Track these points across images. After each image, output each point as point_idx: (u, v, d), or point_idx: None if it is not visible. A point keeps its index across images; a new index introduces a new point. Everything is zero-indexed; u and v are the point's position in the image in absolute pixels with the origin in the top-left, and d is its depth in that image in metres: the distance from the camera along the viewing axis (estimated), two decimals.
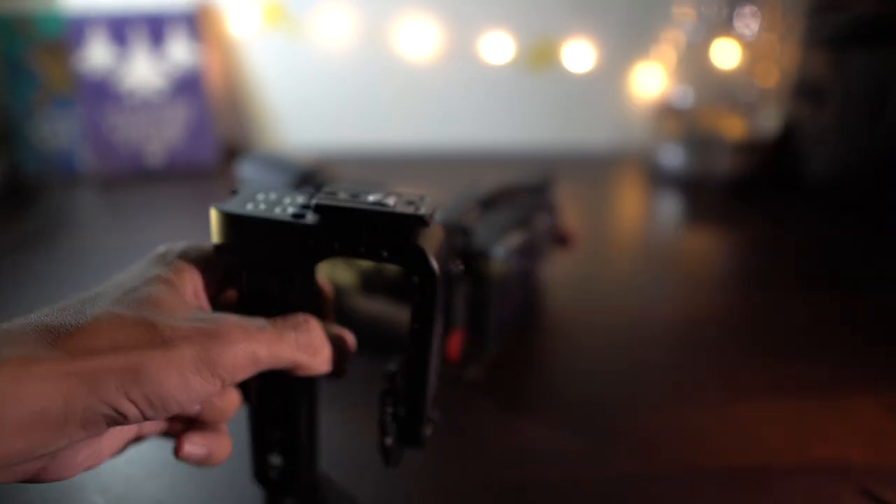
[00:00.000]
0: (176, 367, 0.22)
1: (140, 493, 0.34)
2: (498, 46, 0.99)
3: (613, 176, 0.95)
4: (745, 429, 0.40)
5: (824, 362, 0.48)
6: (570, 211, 0.82)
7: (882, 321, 0.54)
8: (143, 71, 0.89)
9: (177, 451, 0.27)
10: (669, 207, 0.84)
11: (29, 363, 0.20)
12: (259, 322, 0.25)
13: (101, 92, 0.87)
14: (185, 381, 0.22)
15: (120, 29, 0.87)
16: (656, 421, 0.41)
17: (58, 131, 0.88)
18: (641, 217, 0.82)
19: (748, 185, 0.89)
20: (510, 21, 0.98)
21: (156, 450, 0.37)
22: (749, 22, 0.88)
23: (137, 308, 0.23)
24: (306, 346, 0.26)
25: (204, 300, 0.27)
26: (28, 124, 0.86)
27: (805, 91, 0.90)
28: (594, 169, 0.96)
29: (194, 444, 0.27)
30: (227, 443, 0.28)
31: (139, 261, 0.26)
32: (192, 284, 0.26)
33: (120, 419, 0.21)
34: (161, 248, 0.27)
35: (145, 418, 0.22)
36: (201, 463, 0.27)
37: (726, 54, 0.90)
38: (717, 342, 0.51)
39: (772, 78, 0.91)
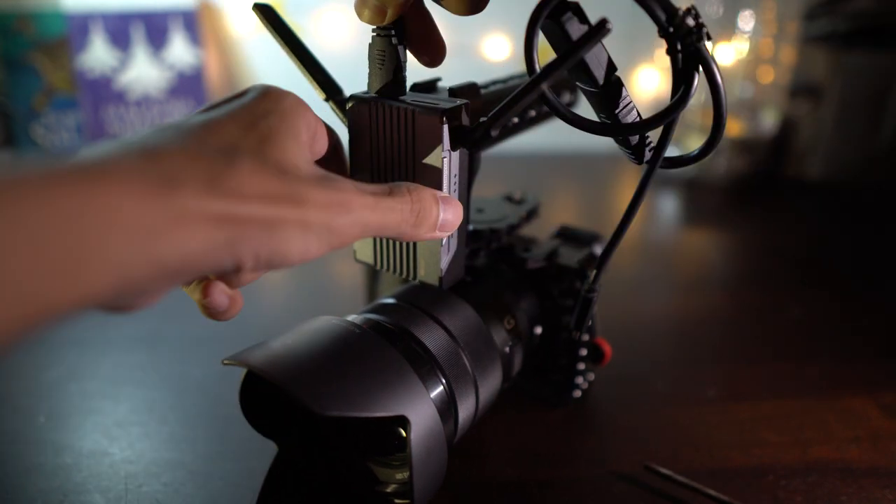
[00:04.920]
0: (303, 230, 0.21)
1: (140, 493, 0.34)
2: (498, 46, 0.99)
3: (613, 176, 0.95)
4: (745, 429, 0.40)
5: (824, 362, 0.48)
6: (571, 211, 0.82)
7: (882, 321, 0.54)
8: (144, 70, 0.89)
9: (205, 295, 0.25)
10: (669, 207, 0.84)
11: (197, 200, 0.19)
12: (371, 188, 0.24)
13: (102, 91, 0.87)
14: (307, 245, 0.22)
15: (120, 28, 0.87)
16: (656, 421, 0.41)
17: (58, 130, 0.88)
18: (641, 217, 0.82)
19: (747, 185, 0.89)
20: (510, 21, 0.98)
21: (156, 450, 0.37)
22: (748, 22, 0.88)
23: (261, 148, 0.22)
24: (414, 216, 0.26)
25: (314, 147, 0.26)
26: (28, 123, 0.86)
27: (804, 90, 0.90)
28: (594, 169, 0.96)
29: (221, 293, 0.26)
30: (241, 300, 0.27)
31: (235, 95, 0.25)
32: (307, 128, 0.25)
33: (232, 272, 0.21)
34: (258, 85, 0.25)
35: (250, 274, 0.22)
36: (219, 314, 0.26)
37: (726, 54, 0.90)
38: (717, 342, 0.51)
39: (770, 77, 0.91)
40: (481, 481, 0.36)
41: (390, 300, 0.34)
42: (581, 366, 0.41)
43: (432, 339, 0.32)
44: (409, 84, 0.31)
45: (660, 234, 0.76)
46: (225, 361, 0.27)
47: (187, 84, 0.91)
